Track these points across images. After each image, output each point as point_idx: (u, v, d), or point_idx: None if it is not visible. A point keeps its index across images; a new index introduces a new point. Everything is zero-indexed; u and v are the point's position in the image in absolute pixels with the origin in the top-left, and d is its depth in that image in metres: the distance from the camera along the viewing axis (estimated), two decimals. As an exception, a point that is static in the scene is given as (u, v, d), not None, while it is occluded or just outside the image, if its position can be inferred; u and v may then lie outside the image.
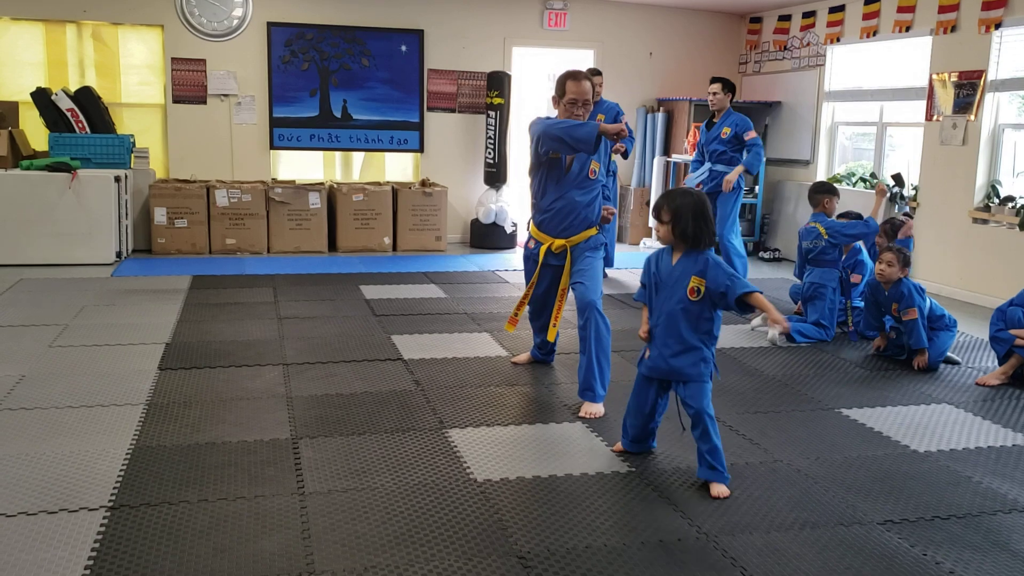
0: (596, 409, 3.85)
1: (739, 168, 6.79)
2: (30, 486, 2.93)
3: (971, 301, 6.74)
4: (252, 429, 3.53)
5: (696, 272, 3.07)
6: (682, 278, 3.10)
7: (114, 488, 2.93)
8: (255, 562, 2.47)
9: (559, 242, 4.12)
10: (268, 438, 3.43)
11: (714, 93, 6.90)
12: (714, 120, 6.99)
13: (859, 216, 5.64)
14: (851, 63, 8.39)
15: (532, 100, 10.43)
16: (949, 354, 4.92)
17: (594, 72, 7.12)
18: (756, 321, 5.51)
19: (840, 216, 5.64)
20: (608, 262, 7.27)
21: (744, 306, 3.05)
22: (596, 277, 4.05)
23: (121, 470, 3.08)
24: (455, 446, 3.41)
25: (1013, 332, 4.49)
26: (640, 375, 3.27)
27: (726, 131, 6.86)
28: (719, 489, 3.05)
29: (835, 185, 5.91)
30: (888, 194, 5.37)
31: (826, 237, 5.37)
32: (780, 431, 3.71)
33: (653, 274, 3.21)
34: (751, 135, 6.78)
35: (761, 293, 3.04)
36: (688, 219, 3.06)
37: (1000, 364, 4.59)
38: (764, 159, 6.95)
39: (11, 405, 3.74)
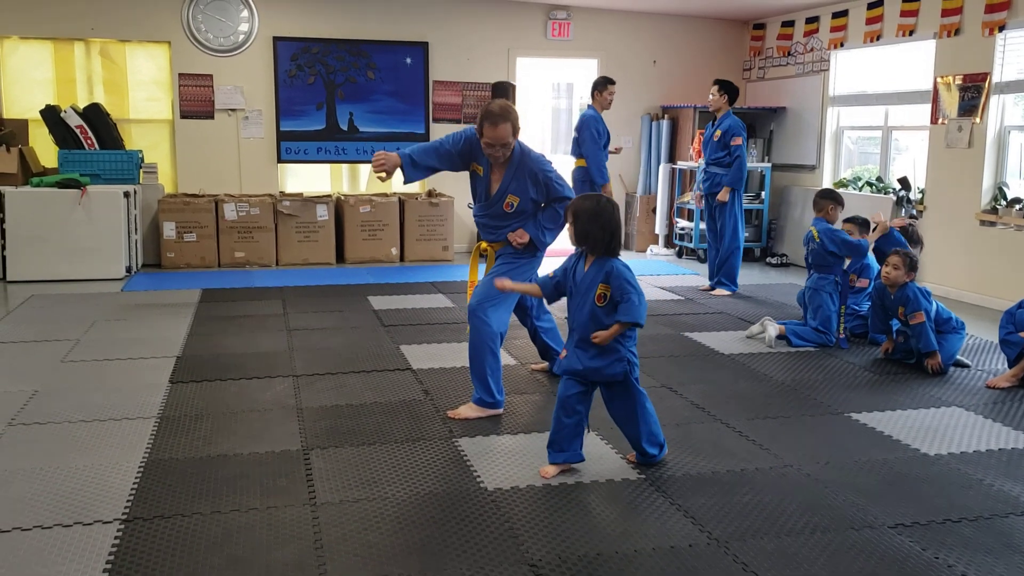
0: (462, 411, 3.89)
1: (725, 189, 6.94)
2: (45, 500, 2.95)
3: (979, 304, 6.72)
4: (263, 441, 3.55)
5: (602, 280, 3.18)
6: (592, 286, 3.20)
7: (128, 501, 2.95)
8: (269, 573, 2.48)
9: (483, 245, 4.13)
10: (279, 449, 3.45)
11: (712, 94, 7.09)
12: (713, 123, 7.15)
13: (866, 221, 5.63)
14: (855, 68, 8.41)
15: (537, 110, 10.49)
16: (958, 357, 4.91)
17: (608, 80, 7.19)
18: (754, 328, 5.50)
19: (847, 221, 5.63)
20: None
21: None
22: (491, 284, 3.82)
23: (134, 483, 3.10)
24: (465, 455, 3.42)
25: (1023, 335, 4.48)
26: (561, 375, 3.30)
27: (717, 134, 7.02)
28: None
29: (840, 192, 5.91)
30: (887, 226, 5.40)
31: (817, 240, 5.37)
32: (790, 436, 3.71)
33: (569, 279, 3.28)
34: (737, 141, 6.91)
35: (638, 325, 3.12)
36: (584, 222, 3.17)
37: (1010, 367, 4.57)
38: (745, 170, 6.98)
39: (25, 420, 3.77)
